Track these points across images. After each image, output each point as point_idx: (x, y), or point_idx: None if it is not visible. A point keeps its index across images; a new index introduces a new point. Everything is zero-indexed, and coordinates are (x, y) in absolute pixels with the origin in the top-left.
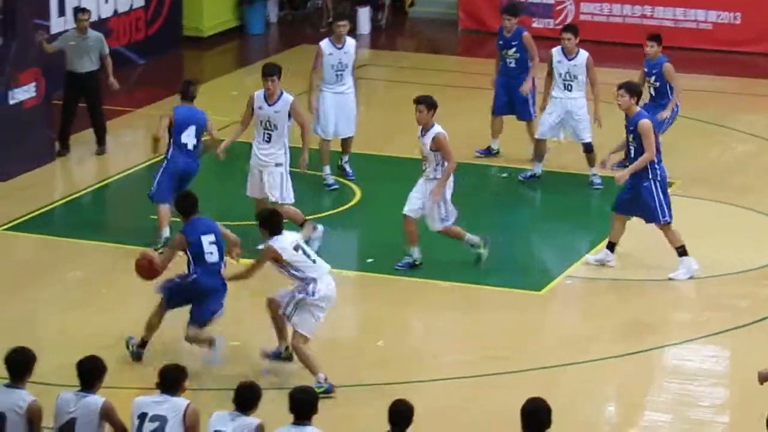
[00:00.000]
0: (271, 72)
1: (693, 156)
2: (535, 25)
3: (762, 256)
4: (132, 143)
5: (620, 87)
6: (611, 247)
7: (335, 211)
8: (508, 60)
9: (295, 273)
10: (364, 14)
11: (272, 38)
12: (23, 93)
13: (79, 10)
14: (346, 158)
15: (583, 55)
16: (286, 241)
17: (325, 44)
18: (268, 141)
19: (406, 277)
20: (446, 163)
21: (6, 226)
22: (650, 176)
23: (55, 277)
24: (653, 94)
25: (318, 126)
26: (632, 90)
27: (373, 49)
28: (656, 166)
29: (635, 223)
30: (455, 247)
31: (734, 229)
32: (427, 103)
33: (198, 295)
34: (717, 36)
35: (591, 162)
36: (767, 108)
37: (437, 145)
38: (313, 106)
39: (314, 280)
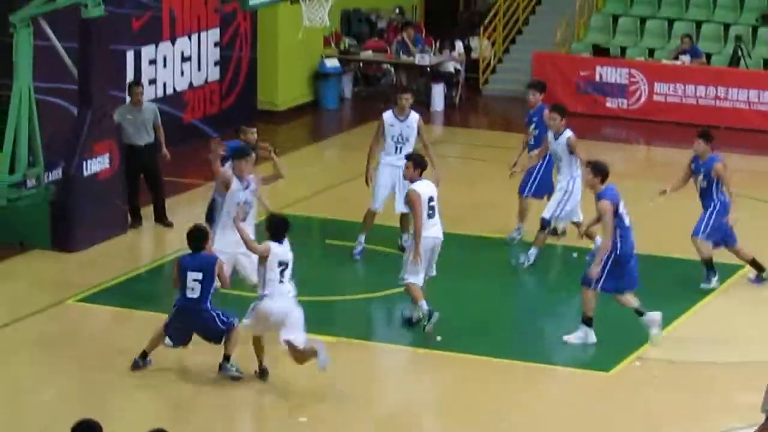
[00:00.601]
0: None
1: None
2: (608, 105)
3: None
4: (200, 216)
5: None
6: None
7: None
8: (532, 136)
9: (263, 280)
10: (438, 91)
11: (346, 113)
12: (98, 164)
13: (133, 84)
14: (405, 236)
15: (566, 134)
16: (277, 251)
17: (387, 115)
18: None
19: (470, 355)
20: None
21: (78, 297)
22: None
23: (126, 347)
24: (700, 194)
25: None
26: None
27: (447, 126)
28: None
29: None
30: (515, 322)
31: None
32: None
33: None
34: None
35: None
36: None
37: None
38: (369, 176)
39: (267, 296)
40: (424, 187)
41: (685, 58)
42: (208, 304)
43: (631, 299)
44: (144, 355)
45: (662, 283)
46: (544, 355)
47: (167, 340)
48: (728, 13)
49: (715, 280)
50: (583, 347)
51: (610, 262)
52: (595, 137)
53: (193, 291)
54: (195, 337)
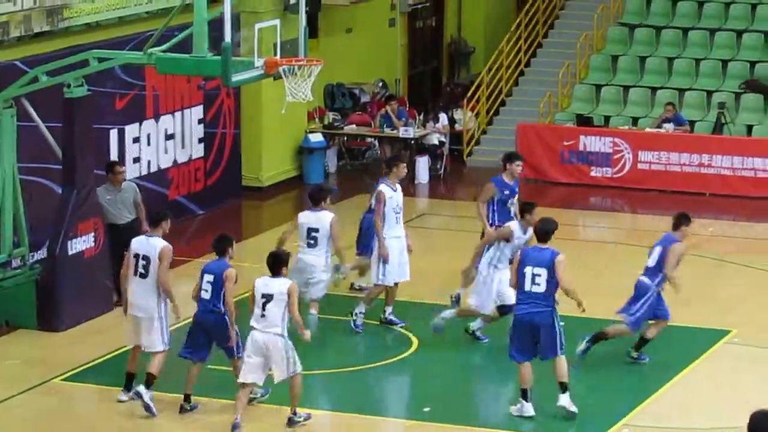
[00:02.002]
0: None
1: (757, 304)
2: (593, 174)
3: None
4: (189, 293)
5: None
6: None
7: (392, 359)
8: (512, 208)
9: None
10: (423, 163)
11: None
12: (82, 243)
13: (114, 164)
14: (390, 309)
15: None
16: (259, 284)
17: (384, 187)
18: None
19: (462, 426)
20: None
21: (65, 376)
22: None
23: (113, 426)
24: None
25: (381, 272)
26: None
27: (432, 198)
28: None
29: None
30: (503, 392)
31: None
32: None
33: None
34: None
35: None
36: None
37: None
38: (385, 254)
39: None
40: (395, 194)
41: (669, 126)
42: (221, 306)
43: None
44: (187, 398)
45: (651, 349)
46: (531, 424)
47: (183, 351)
48: (711, 81)
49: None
50: (570, 415)
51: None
52: (581, 206)
53: (206, 293)
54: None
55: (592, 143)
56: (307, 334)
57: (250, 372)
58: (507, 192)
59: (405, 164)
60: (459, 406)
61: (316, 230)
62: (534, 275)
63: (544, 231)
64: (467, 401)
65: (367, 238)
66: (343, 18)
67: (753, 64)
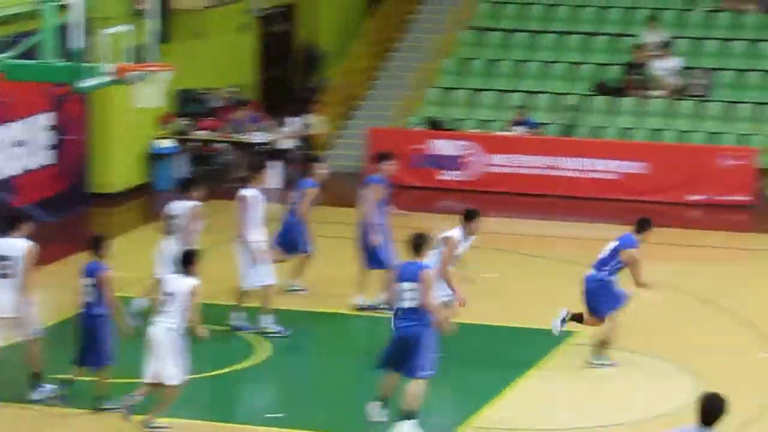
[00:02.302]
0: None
1: None
2: (443, 177)
3: (665, 404)
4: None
5: None
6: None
7: (243, 366)
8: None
9: None
10: (275, 169)
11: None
12: None
13: None
14: (235, 315)
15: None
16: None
17: (251, 193)
18: None
19: None
20: None
21: None
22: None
23: None
24: None
25: (258, 274)
26: None
27: (284, 203)
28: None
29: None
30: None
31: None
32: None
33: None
34: (625, 185)
35: None
36: (673, 257)
37: None
38: (259, 257)
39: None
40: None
41: (519, 129)
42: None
43: None
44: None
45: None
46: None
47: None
48: (561, 84)
49: None
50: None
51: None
52: (431, 209)
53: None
54: None
55: (442, 146)
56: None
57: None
58: (387, 191)
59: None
60: (314, 411)
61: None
62: (407, 290)
63: (416, 244)
64: (322, 407)
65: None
66: (195, 23)
67: (602, 66)
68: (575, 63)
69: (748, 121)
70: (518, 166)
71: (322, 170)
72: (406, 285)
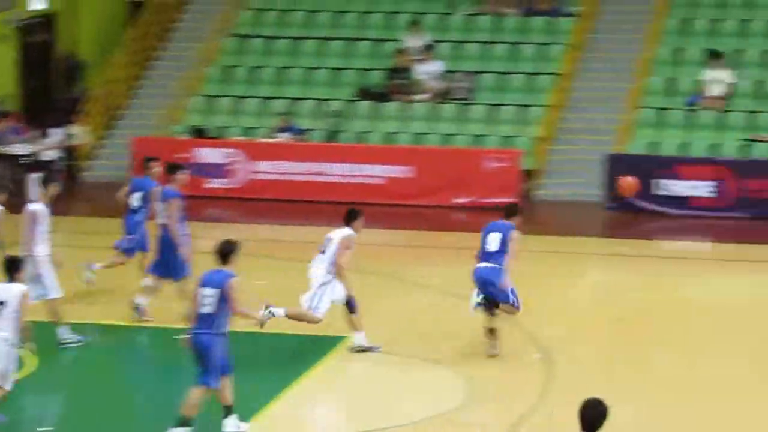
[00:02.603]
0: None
1: (369, 309)
2: (209, 185)
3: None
4: None
5: None
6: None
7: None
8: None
9: None
10: (34, 181)
11: None
12: None
13: None
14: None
15: None
16: None
17: (40, 207)
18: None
19: None
20: None
21: None
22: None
23: None
24: None
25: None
26: None
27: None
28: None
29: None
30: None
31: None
32: None
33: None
34: (390, 190)
35: None
36: (440, 259)
37: None
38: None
39: None
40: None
41: (284, 136)
42: None
43: None
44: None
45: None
46: None
47: None
48: (324, 89)
49: None
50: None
51: None
52: (197, 218)
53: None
54: None
55: (207, 155)
56: None
57: None
58: (182, 200)
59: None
60: (85, 425)
61: None
62: (207, 296)
63: (221, 252)
64: (93, 421)
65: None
66: None
67: (365, 71)
68: (338, 68)
69: (511, 123)
70: (284, 173)
71: (183, 176)
72: (207, 291)
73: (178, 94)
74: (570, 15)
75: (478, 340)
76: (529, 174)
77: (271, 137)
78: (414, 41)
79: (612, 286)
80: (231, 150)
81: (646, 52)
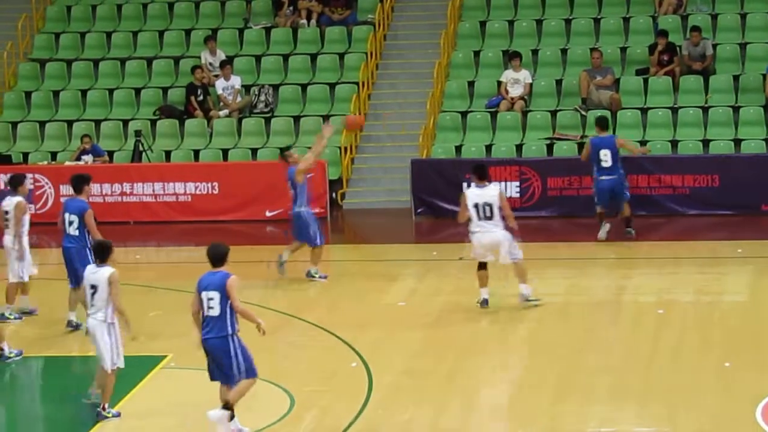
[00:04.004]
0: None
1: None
2: None
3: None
4: None
5: None
6: None
7: None
8: None
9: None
10: None
11: None
12: None
13: None
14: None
15: None
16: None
17: None
18: None
19: None
20: None
21: None
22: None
23: None
24: None
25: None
26: None
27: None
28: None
29: None
30: None
31: None
32: None
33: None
34: (197, 207)
35: None
36: (255, 274)
37: None
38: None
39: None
40: None
41: (88, 158)
42: None
43: None
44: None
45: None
46: None
47: None
48: (125, 110)
49: None
50: None
51: None
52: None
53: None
54: None
55: None
56: None
57: None
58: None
59: None
60: None
61: None
62: (208, 299)
63: (218, 255)
64: None
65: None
66: None
67: (165, 90)
68: (137, 88)
69: (314, 134)
70: (90, 195)
71: (27, 185)
72: (210, 294)
73: None
74: (365, 23)
75: (294, 354)
76: (334, 184)
77: (74, 160)
78: (210, 57)
79: (424, 291)
80: (36, 175)
81: (443, 56)
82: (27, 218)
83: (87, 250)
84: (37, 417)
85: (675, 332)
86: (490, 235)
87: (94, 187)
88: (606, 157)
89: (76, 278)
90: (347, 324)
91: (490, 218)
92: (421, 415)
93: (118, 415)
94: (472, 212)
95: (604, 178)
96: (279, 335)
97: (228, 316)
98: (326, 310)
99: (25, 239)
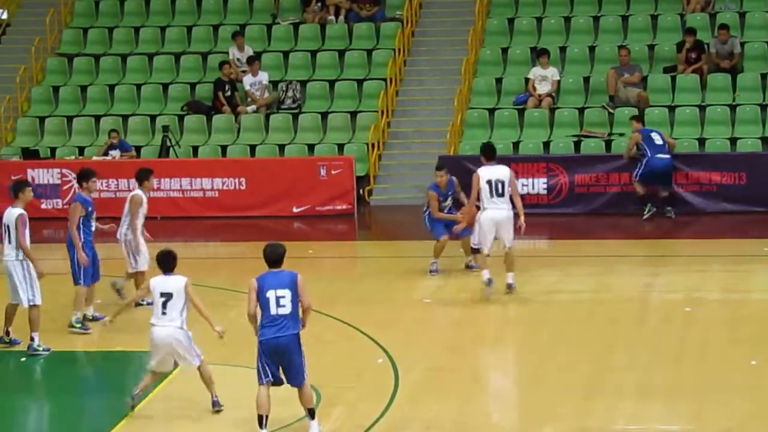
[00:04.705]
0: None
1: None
2: (43, 206)
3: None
4: None
5: None
6: None
7: None
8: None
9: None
10: None
11: None
12: None
13: None
14: None
15: None
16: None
17: None
18: None
19: None
20: None
21: None
22: None
23: None
24: None
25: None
26: None
27: None
28: None
29: None
30: None
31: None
32: None
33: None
34: (224, 203)
35: None
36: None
37: None
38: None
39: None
40: None
41: (115, 153)
42: None
43: None
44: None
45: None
46: None
47: None
48: (153, 105)
49: None
50: None
51: None
52: (34, 239)
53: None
54: None
55: (40, 176)
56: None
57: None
58: (91, 208)
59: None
60: None
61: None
62: (279, 297)
63: (277, 255)
64: None
65: None
66: None
67: (193, 85)
68: (165, 83)
69: (341, 130)
70: (118, 190)
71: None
72: (281, 292)
73: (5, 116)
74: (393, 20)
75: (322, 349)
76: (361, 180)
77: (102, 155)
78: (238, 53)
79: (450, 287)
80: (63, 170)
81: (471, 53)
82: (142, 211)
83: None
84: (70, 409)
85: (702, 330)
86: (501, 212)
87: (121, 183)
88: (658, 138)
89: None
90: (374, 320)
91: (502, 195)
92: (447, 411)
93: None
94: (485, 189)
95: (660, 156)
96: (305, 331)
97: (297, 314)
98: (353, 306)
99: (139, 232)
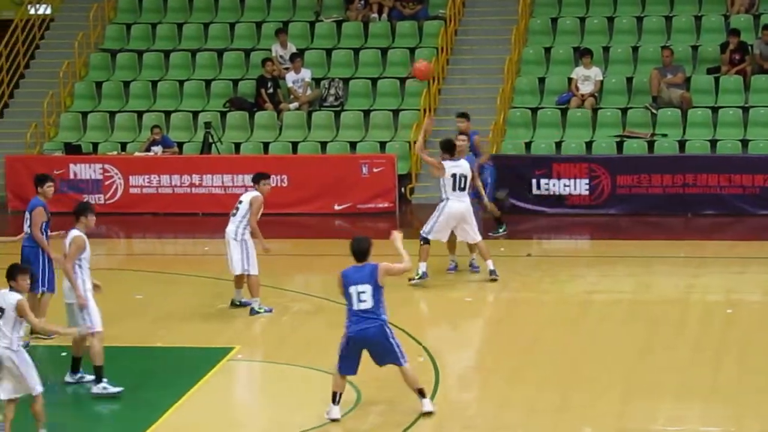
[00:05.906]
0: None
1: (254, 319)
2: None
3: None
4: None
5: None
6: None
7: None
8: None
9: None
10: None
11: None
12: None
13: None
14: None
15: None
16: None
17: None
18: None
19: None
20: None
21: None
22: None
23: None
24: None
25: None
26: None
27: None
28: None
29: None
30: None
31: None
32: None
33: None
34: (267, 199)
35: None
36: (321, 267)
37: None
38: None
39: None
40: None
41: (157, 149)
42: None
43: None
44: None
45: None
46: None
47: None
48: (195, 101)
49: None
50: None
51: None
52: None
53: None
54: None
55: (82, 171)
56: None
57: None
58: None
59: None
60: None
61: None
62: (360, 293)
63: (362, 250)
64: None
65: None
66: None
67: (235, 82)
68: (207, 80)
69: (384, 128)
70: (159, 186)
71: (50, 188)
72: (361, 287)
73: (48, 111)
74: (436, 18)
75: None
76: (403, 178)
77: (144, 151)
78: (281, 50)
79: (491, 286)
80: (106, 165)
81: (514, 52)
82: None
83: None
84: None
85: (742, 332)
86: (462, 204)
87: (163, 179)
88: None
89: None
90: (415, 318)
91: (464, 189)
92: (486, 410)
93: None
94: (450, 181)
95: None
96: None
97: (380, 305)
98: (394, 304)
99: (248, 234)
